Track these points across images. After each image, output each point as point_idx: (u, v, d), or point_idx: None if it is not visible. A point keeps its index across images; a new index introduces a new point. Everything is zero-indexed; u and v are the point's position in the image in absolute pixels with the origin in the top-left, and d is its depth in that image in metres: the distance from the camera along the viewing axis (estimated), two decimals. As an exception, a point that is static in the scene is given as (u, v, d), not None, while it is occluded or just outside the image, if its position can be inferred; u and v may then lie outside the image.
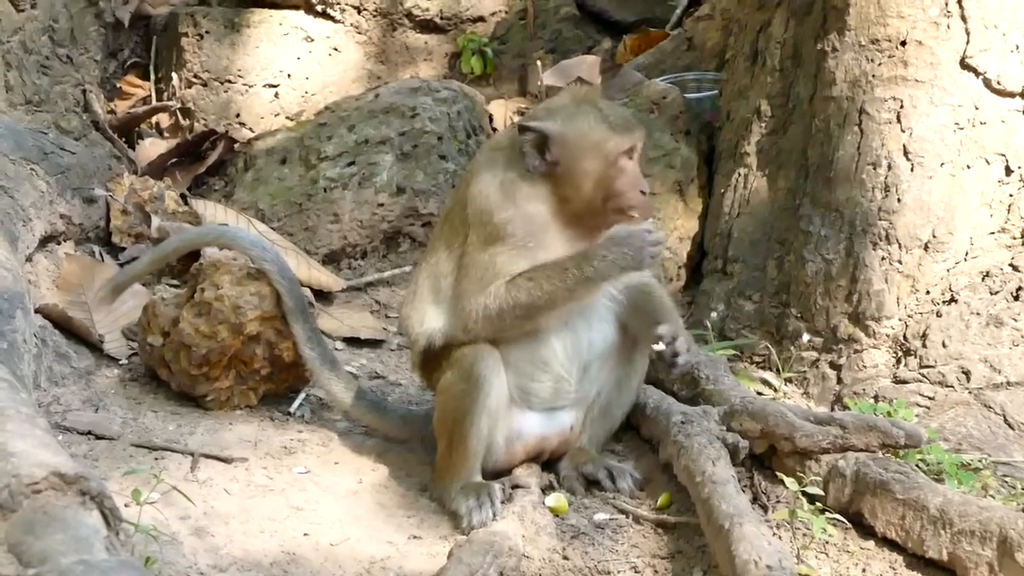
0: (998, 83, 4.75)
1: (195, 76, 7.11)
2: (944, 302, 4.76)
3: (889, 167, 4.76)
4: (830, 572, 3.80)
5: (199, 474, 4.01)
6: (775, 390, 4.83)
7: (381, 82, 7.06)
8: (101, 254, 5.33)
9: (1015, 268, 4.78)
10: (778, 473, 4.07)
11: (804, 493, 3.85)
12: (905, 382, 4.72)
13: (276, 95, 7.17)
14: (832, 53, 4.89)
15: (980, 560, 3.62)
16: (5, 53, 5.38)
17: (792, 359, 4.90)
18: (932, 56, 4.73)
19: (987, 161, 4.78)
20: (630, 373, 4.26)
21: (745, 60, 5.43)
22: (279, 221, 5.76)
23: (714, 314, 5.09)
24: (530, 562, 3.79)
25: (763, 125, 5.24)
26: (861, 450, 4.01)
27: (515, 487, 4.07)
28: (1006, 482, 4.27)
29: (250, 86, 7.15)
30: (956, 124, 4.74)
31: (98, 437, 4.13)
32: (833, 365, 4.85)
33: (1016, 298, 4.73)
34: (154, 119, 6.98)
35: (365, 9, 7.36)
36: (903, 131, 4.75)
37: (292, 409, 4.54)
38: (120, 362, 4.69)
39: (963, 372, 4.67)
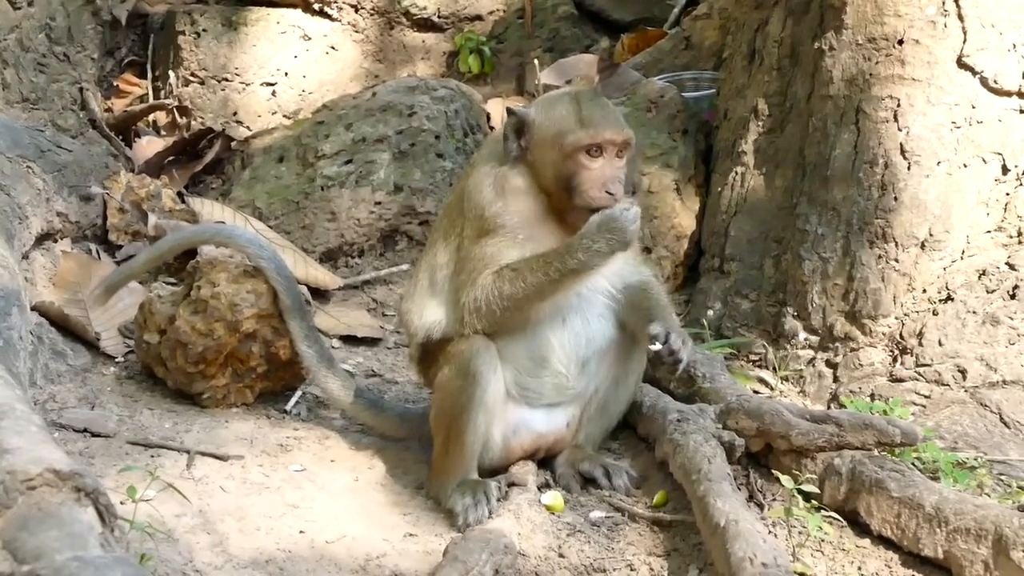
0: (995, 82, 4.75)
1: (192, 74, 7.11)
2: (940, 300, 4.76)
3: (886, 166, 4.76)
4: (826, 570, 3.80)
5: (195, 471, 4.00)
6: (771, 388, 4.83)
7: (379, 81, 7.05)
8: (98, 252, 5.33)
9: (1012, 267, 4.78)
10: (774, 471, 4.07)
11: (800, 491, 3.84)
12: (901, 380, 4.72)
13: (273, 93, 7.16)
14: (829, 52, 4.89)
15: (975, 558, 3.62)
16: (2, 51, 5.38)
17: (789, 357, 4.90)
18: (929, 55, 4.73)
19: (984, 160, 4.78)
20: (628, 371, 4.26)
21: (743, 59, 5.43)
22: (276, 219, 5.75)
23: (711, 312, 5.10)
24: (526, 560, 3.79)
25: (760, 124, 5.24)
26: (857, 448, 4.01)
27: (511, 485, 4.07)
28: (1002, 480, 4.28)
29: (247, 84, 7.14)
30: (953, 123, 4.74)
31: (94, 434, 4.13)
32: (829, 363, 4.85)
33: (1012, 297, 4.73)
34: (151, 117, 6.96)
35: (363, 8, 7.35)
36: (900, 130, 4.75)
37: (288, 407, 4.53)
38: (116, 360, 4.69)
39: (959, 370, 4.67)
